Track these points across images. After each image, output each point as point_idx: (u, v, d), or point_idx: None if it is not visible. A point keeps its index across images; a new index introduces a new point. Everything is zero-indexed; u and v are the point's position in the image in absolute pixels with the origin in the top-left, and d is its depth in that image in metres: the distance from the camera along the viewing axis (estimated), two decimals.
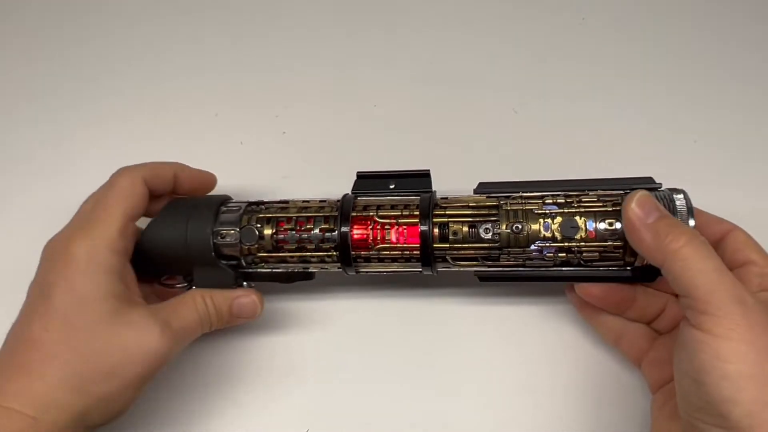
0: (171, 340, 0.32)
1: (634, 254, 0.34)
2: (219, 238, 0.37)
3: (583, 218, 0.35)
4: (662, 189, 0.36)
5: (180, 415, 0.40)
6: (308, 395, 0.40)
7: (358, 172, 0.40)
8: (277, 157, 0.47)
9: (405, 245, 0.36)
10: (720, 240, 0.35)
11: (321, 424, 0.39)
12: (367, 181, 0.39)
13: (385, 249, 0.36)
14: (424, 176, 0.39)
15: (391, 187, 0.39)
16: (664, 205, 0.33)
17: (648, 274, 0.36)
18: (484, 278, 0.38)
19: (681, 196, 0.35)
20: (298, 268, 0.39)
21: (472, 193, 0.38)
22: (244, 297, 0.37)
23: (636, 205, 0.32)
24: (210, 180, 0.41)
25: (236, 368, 0.41)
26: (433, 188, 0.38)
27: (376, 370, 0.41)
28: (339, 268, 0.38)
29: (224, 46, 0.52)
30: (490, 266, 0.37)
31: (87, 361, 0.30)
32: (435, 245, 0.36)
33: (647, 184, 0.36)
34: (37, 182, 0.46)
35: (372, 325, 0.42)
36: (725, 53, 0.50)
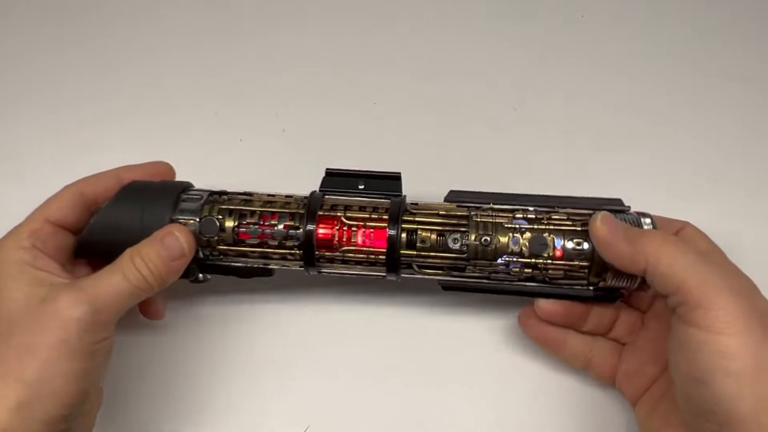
0: (86, 304, 0.30)
1: (599, 275, 0.35)
2: None
3: (551, 236, 0.35)
4: (630, 212, 0.36)
5: (176, 408, 0.40)
6: (306, 389, 0.40)
7: (327, 169, 0.38)
8: (277, 156, 0.47)
9: (371, 249, 0.35)
10: None
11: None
12: (336, 179, 0.38)
13: (350, 251, 0.35)
14: (394, 179, 0.38)
15: (360, 187, 0.38)
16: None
17: (610, 295, 0.36)
18: (448, 287, 0.37)
19: (648, 220, 0.35)
20: (258, 263, 0.37)
21: (447, 199, 0.37)
22: (167, 236, 0.34)
23: (601, 222, 0.32)
24: (161, 170, 0.39)
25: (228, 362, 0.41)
26: (405, 192, 0.37)
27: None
28: (301, 267, 0.37)
29: (224, 45, 0.52)
30: (455, 276, 0.36)
31: (15, 346, 0.30)
32: (402, 251, 0.35)
33: (616, 205, 0.36)
34: (33, 180, 0.44)
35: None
36: (725, 51, 0.50)
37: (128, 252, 0.33)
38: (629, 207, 0.36)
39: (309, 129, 0.47)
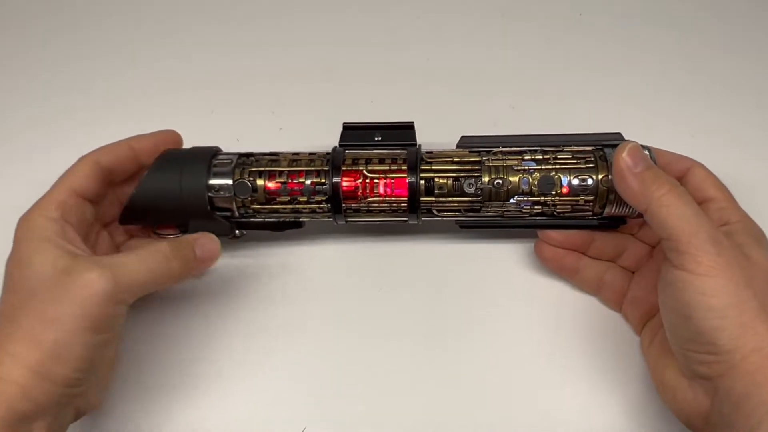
0: (111, 281, 0.32)
1: (602, 207, 0.38)
2: (213, 191, 0.39)
3: (558, 175, 0.38)
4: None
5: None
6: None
7: (344, 123, 0.41)
8: None
9: (393, 198, 0.39)
10: (681, 177, 0.38)
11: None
12: (353, 132, 0.41)
13: (374, 201, 0.39)
14: (408, 128, 0.41)
15: (377, 139, 0.40)
16: None
17: (612, 223, 0.39)
18: (465, 226, 0.41)
19: (646, 152, 0.38)
20: (289, 218, 0.41)
21: (459, 145, 0.40)
22: (203, 238, 0.37)
23: (627, 154, 0.34)
24: (171, 138, 0.41)
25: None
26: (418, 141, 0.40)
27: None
28: (329, 218, 0.40)
29: (219, 43, 0.51)
30: (470, 217, 0.40)
31: (37, 313, 0.31)
32: (421, 199, 0.38)
33: (617, 140, 0.39)
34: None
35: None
36: (723, 49, 0.51)
37: (164, 243, 0.35)
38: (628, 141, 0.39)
39: (306, 127, 0.47)
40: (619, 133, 0.39)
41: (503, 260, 0.44)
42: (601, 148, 0.39)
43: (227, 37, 0.52)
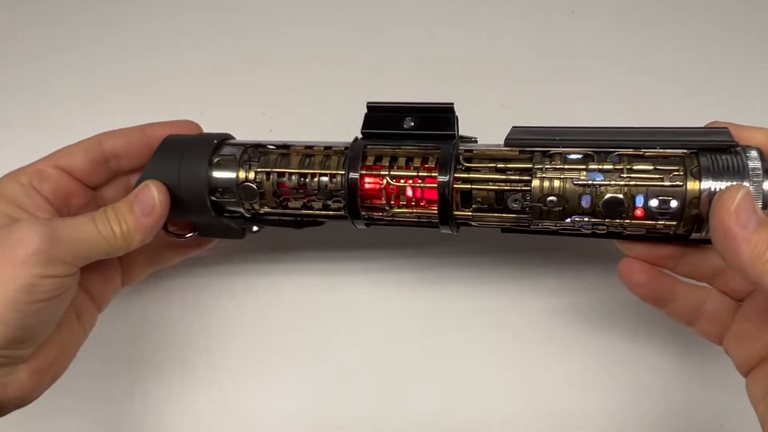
0: (46, 235, 0.29)
1: (688, 231, 0.30)
2: (217, 194, 0.34)
3: (631, 193, 0.29)
4: (738, 148, 0.29)
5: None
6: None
7: (368, 104, 0.33)
8: None
9: (422, 210, 0.32)
10: None
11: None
12: (379, 114, 0.33)
13: (399, 213, 0.32)
14: (446, 111, 0.33)
15: (411, 125, 0.33)
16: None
17: (697, 243, 0.31)
18: (507, 230, 0.34)
19: (755, 153, 0.28)
20: (305, 218, 0.35)
21: (509, 141, 0.32)
22: (142, 189, 0.33)
23: (737, 207, 0.26)
24: (188, 128, 0.36)
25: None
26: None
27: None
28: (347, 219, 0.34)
29: (209, 44, 0.49)
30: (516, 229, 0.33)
31: None
32: (455, 212, 0.32)
33: (723, 138, 0.29)
34: None
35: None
36: (720, 46, 0.47)
37: (105, 207, 0.32)
38: (736, 143, 0.29)
39: (297, 129, 0.44)
40: (725, 129, 0.29)
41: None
42: (696, 153, 0.29)
43: (217, 36, 0.50)
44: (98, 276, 0.35)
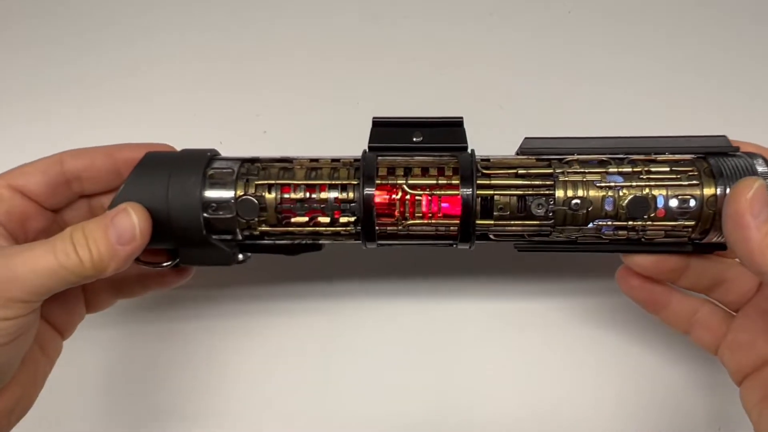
0: (1, 280, 0.26)
1: (703, 233, 0.30)
2: (210, 211, 0.30)
3: (652, 193, 0.30)
4: (740, 154, 0.31)
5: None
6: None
7: (374, 119, 0.32)
8: None
9: (441, 221, 0.30)
10: None
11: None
12: (385, 129, 0.32)
13: (415, 225, 0.31)
14: (455, 125, 0.32)
15: (419, 139, 0.32)
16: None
17: (709, 249, 0.32)
18: (524, 249, 0.33)
19: (761, 160, 0.30)
20: (306, 240, 0.32)
21: (522, 150, 0.31)
22: (120, 213, 0.28)
23: (753, 196, 0.26)
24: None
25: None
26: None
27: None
28: (356, 240, 0.32)
29: (202, 44, 0.47)
30: (535, 243, 0.32)
31: None
32: (477, 221, 0.30)
33: (722, 145, 0.31)
34: None
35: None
36: (720, 44, 0.47)
37: (70, 228, 0.28)
38: (738, 148, 0.31)
39: (291, 130, 0.43)
40: (723, 137, 0.31)
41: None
42: (703, 158, 0.31)
43: (209, 37, 0.48)
44: (60, 306, 0.30)
